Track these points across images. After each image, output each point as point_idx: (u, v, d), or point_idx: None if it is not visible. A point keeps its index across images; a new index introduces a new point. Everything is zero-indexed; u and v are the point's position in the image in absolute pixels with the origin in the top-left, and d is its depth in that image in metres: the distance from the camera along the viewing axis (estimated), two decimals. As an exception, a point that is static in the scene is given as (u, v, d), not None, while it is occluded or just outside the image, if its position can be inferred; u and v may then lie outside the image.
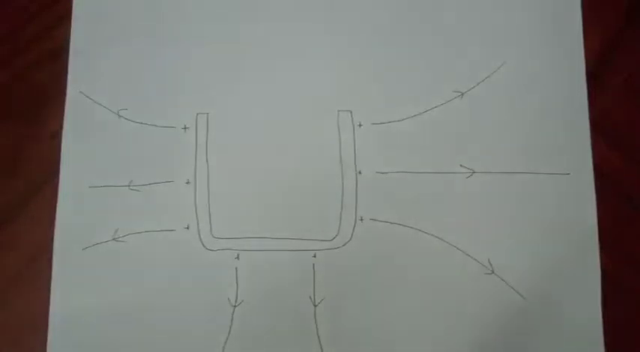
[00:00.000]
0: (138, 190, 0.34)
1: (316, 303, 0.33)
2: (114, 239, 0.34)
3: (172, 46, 0.35)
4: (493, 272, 0.33)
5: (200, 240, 0.34)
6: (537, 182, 0.33)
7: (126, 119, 0.35)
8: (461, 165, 0.34)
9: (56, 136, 0.35)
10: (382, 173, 0.34)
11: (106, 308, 0.33)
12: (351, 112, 0.34)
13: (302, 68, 0.35)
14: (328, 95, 0.35)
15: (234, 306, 0.33)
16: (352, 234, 0.33)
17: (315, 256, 0.33)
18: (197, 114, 0.35)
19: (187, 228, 0.34)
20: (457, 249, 0.33)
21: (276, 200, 0.34)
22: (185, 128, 0.35)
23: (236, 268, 0.33)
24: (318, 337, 0.33)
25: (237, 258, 0.33)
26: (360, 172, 0.34)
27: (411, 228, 0.33)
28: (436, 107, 0.34)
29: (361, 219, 0.33)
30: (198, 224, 0.34)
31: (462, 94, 0.34)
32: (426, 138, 0.34)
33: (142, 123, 0.35)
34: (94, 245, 0.34)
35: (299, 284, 0.33)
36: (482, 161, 0.34)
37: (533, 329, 0.32)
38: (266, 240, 0.33)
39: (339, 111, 0.35)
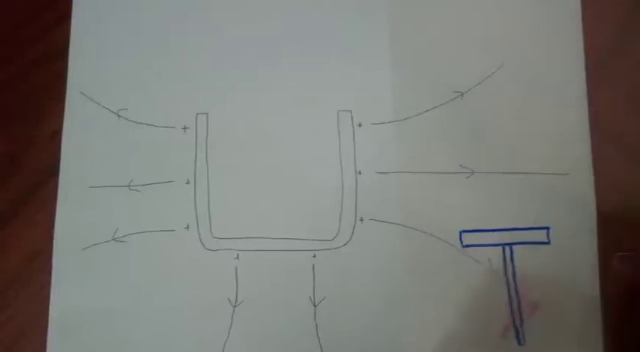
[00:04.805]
0: (138, 190, 0.34)
1: (316, 303, 0.33)
2: (114, 239, 0.34)
3: (172, 46, 0.35)
4: (493, 272, 0.33)
5: (200, 240, 0.34)
6: (537, 182, 0.33)
7: (126, 119, 0.35)
8: (461, 165, 0.34)
9: (56, 136, 0.35)
10: (382, 173, 0.34)
11: (106, 308, 0.33)
12: (351, 112, 0.34)
13: (302, 68, 0.35)
14: (328, 95, 0.35)
15: (234, 306, 0.33)
16: (352, 234, 0.33)
17: (315, 256, 0.33)
18: (197, 114, 0.35)
19: (187, 228, 0.34)
20: (457, 248, 0.33)
21: (276, 200, 0.34)
22: (185, 128, 0.35)
23: (236, 268, 0.33)
24: (318, 337, 0.33)
25: (237, 258, 0.33)
26: (360, 172, 0.34)
27: (411, 228, 0.33)
28: (436, 107, 0.34)
29: (361, 219, 0.33)
30: (198, 224, 0.34)
31: (462, 94, 0.34)
32: (426, 138, 0.34)
33: (141, 123, 0.35)
34: (94, 245, 0.34)
35: (299, 284, 0.33)
36: (482, 161, 0.34)
37: (533, 329, 0.32)
38: (266, 240, 0.33)
39: (339, 111, 0.35)
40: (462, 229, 0.33)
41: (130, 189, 0.34)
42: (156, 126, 0.35)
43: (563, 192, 0.33)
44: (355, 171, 0.34)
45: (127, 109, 0.35)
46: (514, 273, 0.33)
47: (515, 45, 0.35)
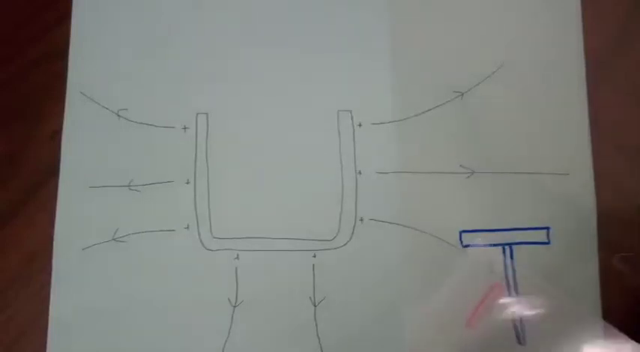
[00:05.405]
0: (138, 190, 0.34)
1: (316, 303, 0.33)
2: (114, 239, 0.34)
3: (172, 46, 0.35)
4: (493, 272, 0.33)
5: (200, 240, 0.34)
6: (537, 182, 0.33)
7: (126, 119, 0.35)
8: (461, 165, 0.34)
9: (56, 136, 0.35)
10: (382, 173, 0.34)
11: (105, 308, 0.33)
12: (351, 112, 0.35)
13: (302, 68, 0.35)
14: (328, 95, 0.35)
15: (234, 306, 0.33)
16: (352, 234, 0.33)
17: (315, 256, 0.33)
18: (197, 114, 0.35)
19: (187, 228, 0.34)
20: (457, 248, 0.33)
21: (276, 200, 0.34)
22: (185, 128, 0.35)
23: (236, 268, 0.33)
24: (318, 337, 0.33)
25: (237, 258, 0.33)
26: (360, 172, 0.34)
27: (411, 228, 0.33)
28: (436, 107, 0.34)
29: (361, 219, 0.33)
30: (198, 224, 0.34)
31: (462, 94, 0.34)
32: (426, 138, 0.34)
33: (141, 123, 0.35)
34: (94, 245, 0.34)
35: (299, 284, 0.33)
36: (482, 161, 0.34)
37: (533, 329, 0.32)
38: (266, 240, 0.33)
39: (339, 111, 0.35)
40: (462, 229, 0.33)
41: (130, 189, 0.34)
42: (156, 126, 0.35)
43: (563, 192, 0.33)
44: (355, 171, 0.34)
45: (127, 109, 0.35)
46: (514, 273, 0.33)
47: (515, 45, 0.35)
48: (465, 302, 0.33)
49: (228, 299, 0.33)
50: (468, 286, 0.33)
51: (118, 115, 0.35)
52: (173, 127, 0.35)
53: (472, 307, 0.32)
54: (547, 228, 0.33)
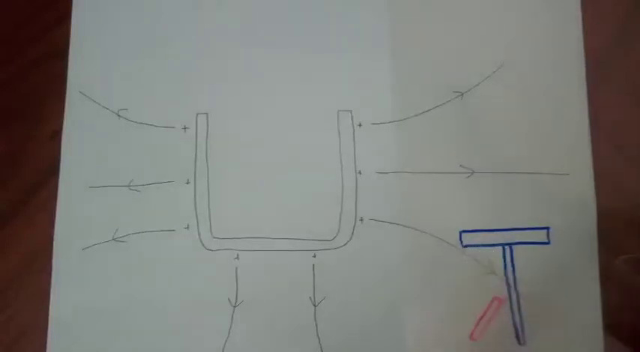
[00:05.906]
0: (138, 190, 0.34)
1: (316, 303, 0.33)
2: (114, 239, 0.34)
3: (172, 46, 0.35)
4: (493, 272, 0.33)
5: (200, 240, 0.34)
6: (537, 182, 0.33)
7: (126, 119, 0.35)
8: (461, 165, 0.34)
9: (56, 136, 0.35)
10: (382, 173, 0.34)
11: (105, 308, 0.33)
12: (351, 112, 0.35)
13: (302, 68, 0.35)
14: (328, 95, 0.35)
15: (234, 306, 0.33)
16: (352, 234, 0.33)
17: (315, 256, 0.33)
18: (197, 114, 0.35)
19: (187, 228, 0.34)
20: (457, 248, 0.33)
21: (276, 200, 0.34)
22: (185, 128, 0.35)
23: (236, 268, 0.33)
24: (318, 337, 0.33)
25: (237, 258, 0.33)
26: (360, 172, 0.34)
27: (411, 228, 0.33)
28: (436, 107, 0.34)
29: (361, 219, 0.33)
30: (198, 224, 0.34)
31: (462, 94, 0.34)
32: (426, 138, 0.34)
33: (141, 123, 0.35)
34: (94, 245, 0.34)
35: (299, 284, 0.33)
36: (482, 161, 0.34)
37: (533, 329, 0.32)
38: (266, 240, 0.33)
39: (339, 111, 0.35)
40: (462, 229, 0.33)
41: (130, 189, 0.34)
42: (156, 126, 0.35)
43: (563, 192, 0.33)
44: (355, 171, 0.34)
45: (127, 109, 0.35)
46: (514, 273, 0.33)
47: (515, 45, 0.35)
48: (465, 302, 0.33)
49: (228, 299, 0.33)
50: (467, 284, 0.33)
51: (118, 115, 0.35)
52: (173, 127, 0.35)
53: (474, 318, 0.32)
54: (547, 228, 0.33)
